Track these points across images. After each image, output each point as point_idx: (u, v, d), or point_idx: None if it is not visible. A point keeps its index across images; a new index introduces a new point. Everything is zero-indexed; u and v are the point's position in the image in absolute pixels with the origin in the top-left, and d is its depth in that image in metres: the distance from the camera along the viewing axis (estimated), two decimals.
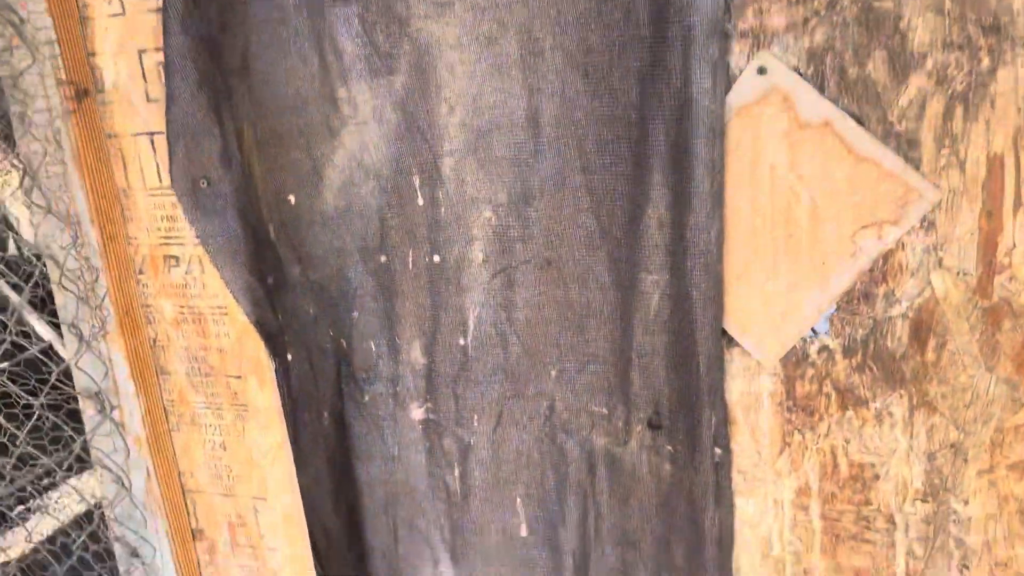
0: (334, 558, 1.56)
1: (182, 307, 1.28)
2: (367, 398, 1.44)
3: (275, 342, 1.32)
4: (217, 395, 1.31)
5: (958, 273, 1.02)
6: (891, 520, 1.15)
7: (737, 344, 1.19)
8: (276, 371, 1.32)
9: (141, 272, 1.28)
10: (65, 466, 1.34)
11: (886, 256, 1.06)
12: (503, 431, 1.40)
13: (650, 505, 1.36)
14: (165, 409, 1.35)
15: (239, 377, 1.29)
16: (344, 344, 1.42)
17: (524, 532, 1.43)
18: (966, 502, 1.10)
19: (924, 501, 1.12)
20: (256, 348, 1.27)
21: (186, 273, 1.26)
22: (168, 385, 1.34)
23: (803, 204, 1.08)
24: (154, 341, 1.31)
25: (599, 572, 1.42)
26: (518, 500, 1.43)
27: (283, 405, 1.35)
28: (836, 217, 1.06)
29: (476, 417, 1.41)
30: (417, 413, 1.43)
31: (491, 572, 1.46)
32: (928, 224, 1.02)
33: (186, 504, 1.39)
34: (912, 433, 1.11)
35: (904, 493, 1.13)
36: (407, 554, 1.49)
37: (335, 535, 1.54)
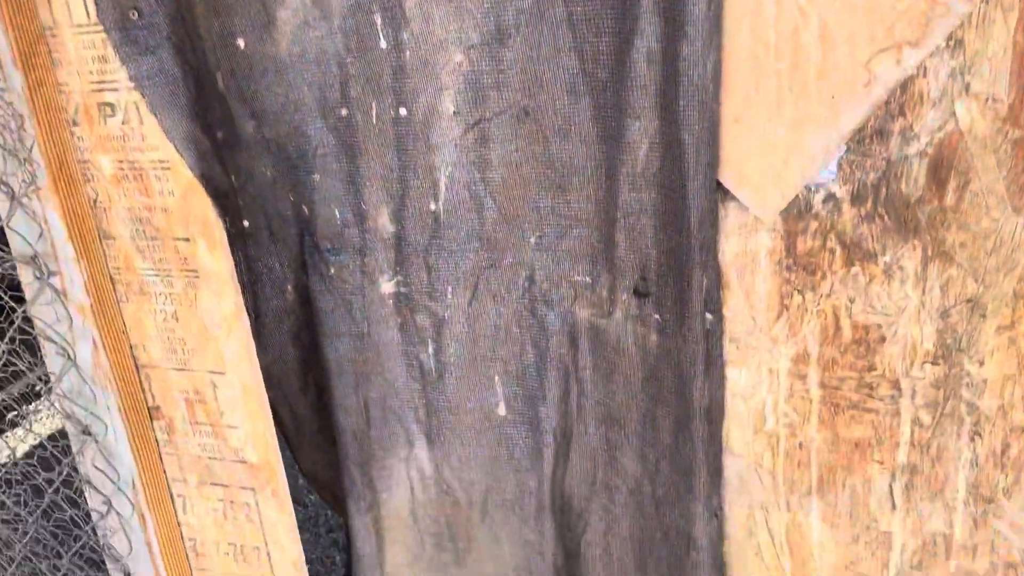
0: (303, 441, 1.47)
1: (121, 162, 1.14)
2: (333, 271, 1.32)
3: (226, 202, 1.19)
4: (165, 260, 1.19)
5: (987, 100, 0.89)
6: (896, 386, 1.04)
7: (732, 198, 1.06)
8: (229, 236, 1.19)
9: (75, 124, 1.14)
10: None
11: (904, 85, 0.92)
12: (479, 304, 1.29)
13: (635, 380, 1.25)
14: (112, 278, 1.23)
15: (187, 240, 1.17)
16: (306, 211, 1.29)
17: (503, 411, 1.33)
18: (981, 363, 0.99)
19: (934, 364, 1.01)
20: (203, 207, 1.14)
21: (123, 123, 1.12)
22: (113, 252, 1.21)
23: (812, 28, 0.93)
24: (95, 202, 1.18)
25: (581, 452, 1.32)
26: (496, 378, 1.32)
27: (239, 275, 1.23)
28: (849, 41, 0.92)
29: (450, 289, 1.29)
30: (387, 287, 1.31)
31: (468, 453, 1.36)
32: (955, 43, 0.88)
33: (140, 381, 1.29)
34: (925, 288, 0.99)
35: (912, 356, 1.02)
36: (380, 436, 1.39)
37: (304, 417, 1.44)
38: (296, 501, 3.45)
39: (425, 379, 1.34)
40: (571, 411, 1.30)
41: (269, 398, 1.38)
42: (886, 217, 0.97)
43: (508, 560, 1.39)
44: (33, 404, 1.20)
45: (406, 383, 1.36)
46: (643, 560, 1.34)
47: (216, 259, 1.17)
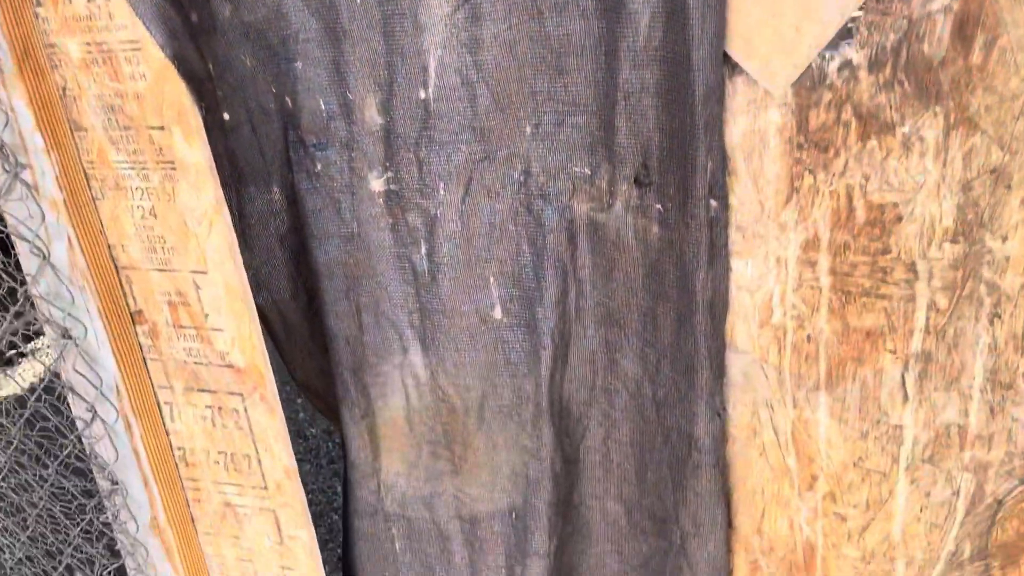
0: (295, 349, 1.41)
1: (89, 44, 1.06)
2: (319, 167, 1.25)
3: (203, 88, 1.11)
4: (140, 151, 1.12)
5: None
6: (912, 269, 0.98)
7: (740, 72, 0.98)
8: (208, 129, 1.12)
9: (39, 4, 1.06)
10: None
11: None
12: (473, 201, 1.22)
13: (636, 276, 1.19)
14: (85, 173, 1.16)
15: (162, 128, 1.09)
16: (289, 103, 1.21)
17: (498, 314, 1.27)
18: (1005, 238, 0.92)
19: (954, 242, 0.94)
20: (177, 93, 1.06)
21: (89, 1, 1.04)
22: (85, 144, 1.14)
23: None
24: (64, 91, 1.11)
25: (580, 355, 1.27)
26: (491, 279, 1.26)
27: (221, 174, 1.16)
28: None
29: (442, 185, 1.22)
30: (376, 184, 1.24)
31: (463, 358, 1.31)
32: None
33: (120, 283, 1.22)
34: (946, 160, 0.92)
35: (930, 235, 0.95)
36: (373, 342, 1.33)
37: (294, 323, 1.38)
38: (298, 434, 3.44)
39: (418, 281, 1.28)
40: (569, 312, 1.24)
41: (258, 304, 1.32)
42: (906, 83, 0.90)
43: (505, 467, 1.34)
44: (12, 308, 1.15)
45: (399, 286, 1.29)
46: (643, 465, 1.30)
47: (193, 149, 1.10)
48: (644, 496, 1.32)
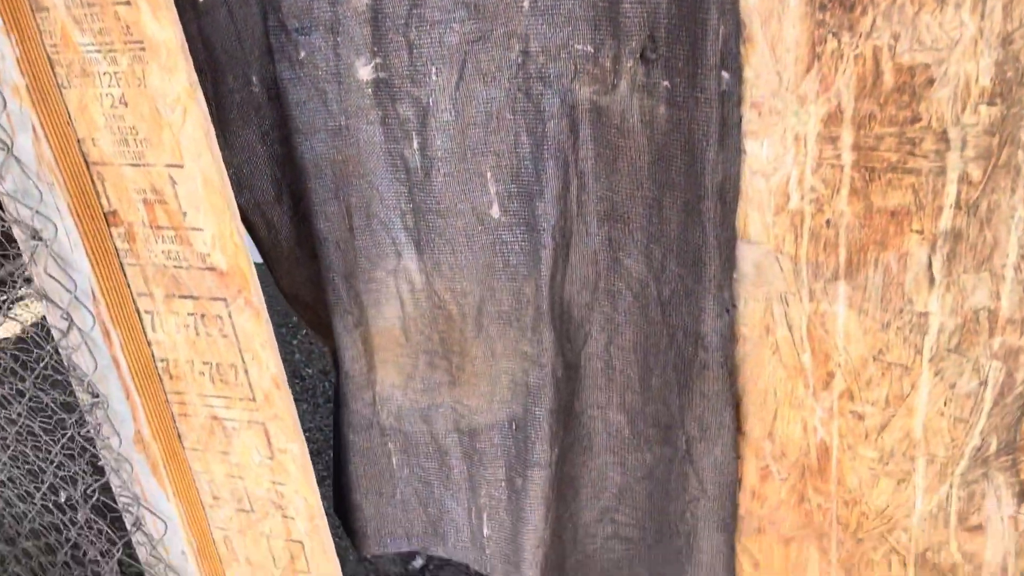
0: (282, 256, 1.32)
1: None
2: (303, 54, 1.15)
3: None
4: (106, 31, 1.02)
5: None
6: (943, 138, 0.90)
7: None
8: (177, 6, 1.02)
9: None
10: None
11: None
12: (467, 87, 1.13)
13: (641, 164, 1.10)
14: (49, 58, 1.07)
15: (128, 3, 1.00)
16: None
17: (496, 212, 1.19)
18: None
19: (990, 104, 0.86)
20: None
21: None
22: (47, 26, 1.05)
23: None
24: None
25: (582, 254, 1.19)
26: (488, 174, 1.17)
27: (194, 58, 1.06)
28: None
29: (434, 70, 1.13)
30: (364, 72, 1.15)
31: (460, 261, 1.23)
32: None
33: (92, 181, 1.14)
34: (984, 11, 0.83)
35: (965, 98, 0.87)
36: (365, 246, 1.25)
37: (280, 228, 1.29)
38: (294, 374, 3.37)
39: (411, 179, 1.20)
40: (570, 208, 1.16)
41: (241, 206, 1.24)
42: None
43: (505, 377, 1.27)
44: None
45: (390, 185, 1.21)
46: (647, 370, 1.23)
47: (163, 26, 1.00)
48: (648, 404, 1.25)
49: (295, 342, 3.38)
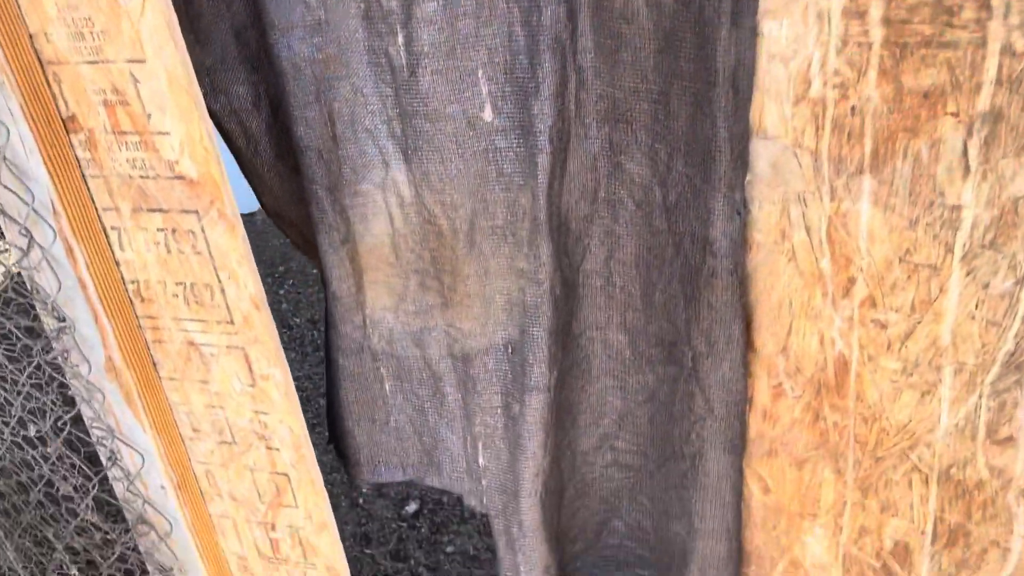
0: (262, 170, 1.21)
1: None
2: None
3: None
4: None
5: None
6: (985, 4, 0.79)
7: None
8: None
9: None
10: None
11: None
12: None
13: (647, 54, 1.00)
14: None
15: None
16: None
17: (488, 115, 1.09)
18: None
19: None
20: None
21: None
22: None
23: None
24: None
25: (581, 159, 1.09)
26: (479, 71, 1.07)
27: None
28: None
29: None
30: None
31: (450, 170, 1.13)
32: None
33: (48, 81, 1.03)
34: None
35: None
36: (350, 156, 1.15)
37: (258, 138, 1.18)
38: (282, 323, 3.27)
39: (396, 79, 1.09)
40: (568, 108, 1.06)
41: (215, 111, 1.13)
42: None
43: (499, 297, 1.18)
44: None
45: (375, 87, 1.11)
46: (650, 286, 1.14)
47: None
48: (651, 322, 1.17)
49: (282, 292, 3.28)
